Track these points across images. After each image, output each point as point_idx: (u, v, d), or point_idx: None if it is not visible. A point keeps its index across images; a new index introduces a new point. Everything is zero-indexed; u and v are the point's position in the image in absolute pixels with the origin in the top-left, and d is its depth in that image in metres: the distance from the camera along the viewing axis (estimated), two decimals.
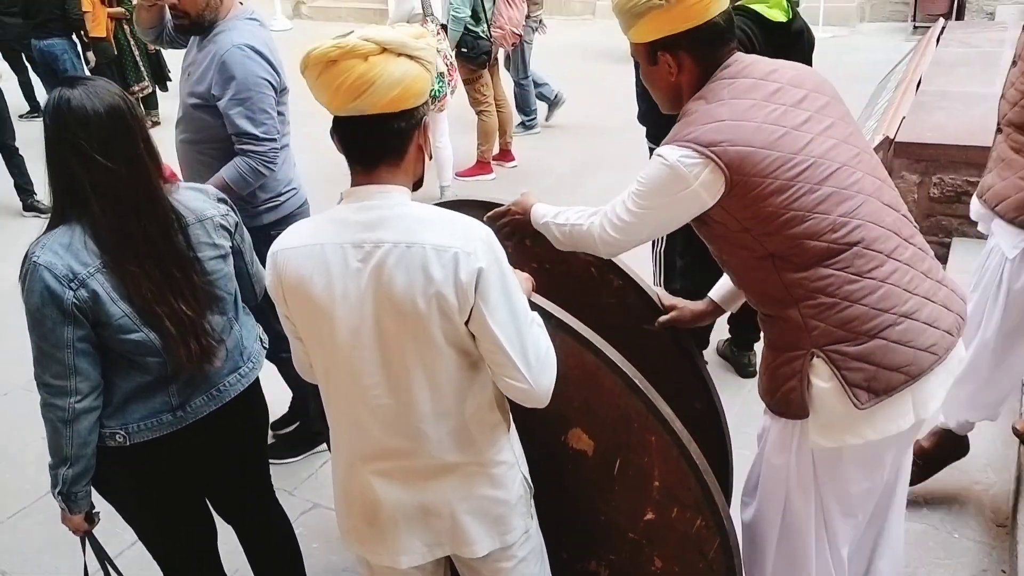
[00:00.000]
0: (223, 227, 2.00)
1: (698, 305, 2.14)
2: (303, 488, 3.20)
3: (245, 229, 2.13)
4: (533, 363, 1.54)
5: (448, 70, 5.39)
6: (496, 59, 6.21)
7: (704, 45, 1.71)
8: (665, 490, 1.81)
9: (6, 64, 7.86)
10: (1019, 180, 2.26)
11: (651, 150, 2.92)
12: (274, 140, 2.72)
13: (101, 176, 1.75)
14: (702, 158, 1.63)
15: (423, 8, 5.36)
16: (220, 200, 2.04)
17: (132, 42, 7.41)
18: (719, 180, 1.63)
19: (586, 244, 1.91)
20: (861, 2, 9.72)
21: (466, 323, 1.52)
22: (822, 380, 1.66)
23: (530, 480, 1.78)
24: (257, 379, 2.15)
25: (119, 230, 1.78)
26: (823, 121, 1.70)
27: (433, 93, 5.35)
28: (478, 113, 6.11)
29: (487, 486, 1.68)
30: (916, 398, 1.68)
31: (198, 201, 1.97)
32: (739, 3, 2.97)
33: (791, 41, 3.06)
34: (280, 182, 2.90)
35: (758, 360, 3.46)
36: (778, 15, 2.94)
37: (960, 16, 8.79)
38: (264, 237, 2.62)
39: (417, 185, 1.62)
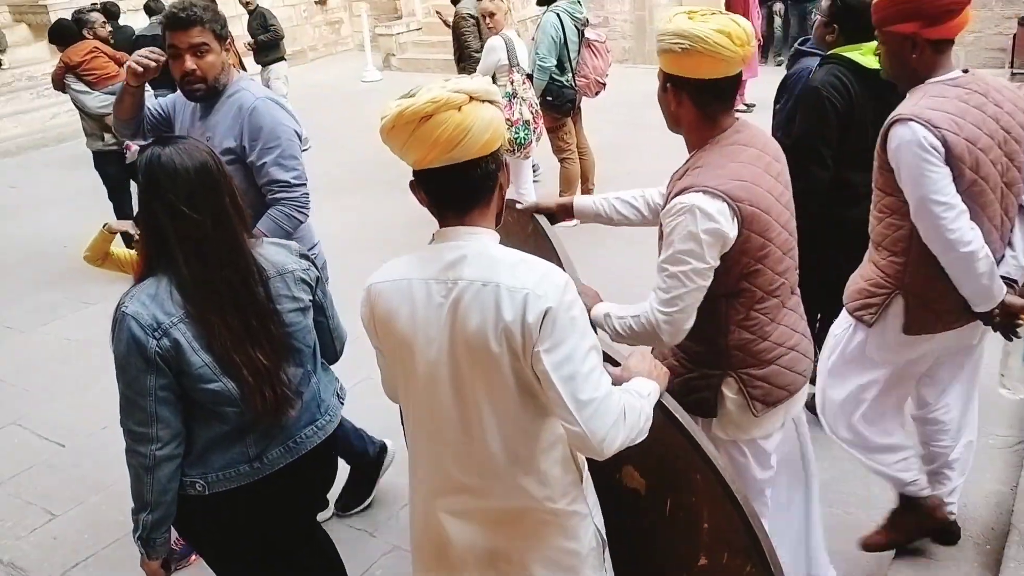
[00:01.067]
0: (304, 281, 2.06)
1: (562, 200, 2.58)
2: (383, 530, 3.24)
3: (327, 286, 2.21)
4: (586, 408, 1.53)
5: (534, 117, 5.48)
6: (579, 107, 6.27)
7: (704, 95, 1.98)
8: (714, 532, 1.81)
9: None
10: (859, 271, 2.49)
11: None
12: (305, 185, 2.79)
13: (187, 229, 1.84)
14: (728, 210, 1.89)
15: (509, 59, 5.50)
16: (302, 256, 2.11)
17: None
18: (733, 233, 1.91)
19: (650, 336, 2.03)
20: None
21: (532, 362, 1.55)
22: (731, 392, 2.10)
23: (604, 533, 1.76)
24: (333, 432, 2.18)
25: (202, 280, 1.86)
26: (787, 194, 2.06)
27: (519, 140, 5.44)
28: (561, 160, 6.18)
29: (560, 536, 1.68)
30: (788, 406, 2.18)
31: (280, 255, 2.04)
32: (833, 51, 2.97)
33: (886, 88, 3.03)
34: (313, 233, 3.01)
35: None
36: (872, 62, 2.92)
37: None
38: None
39: (497, 220, 1.68)
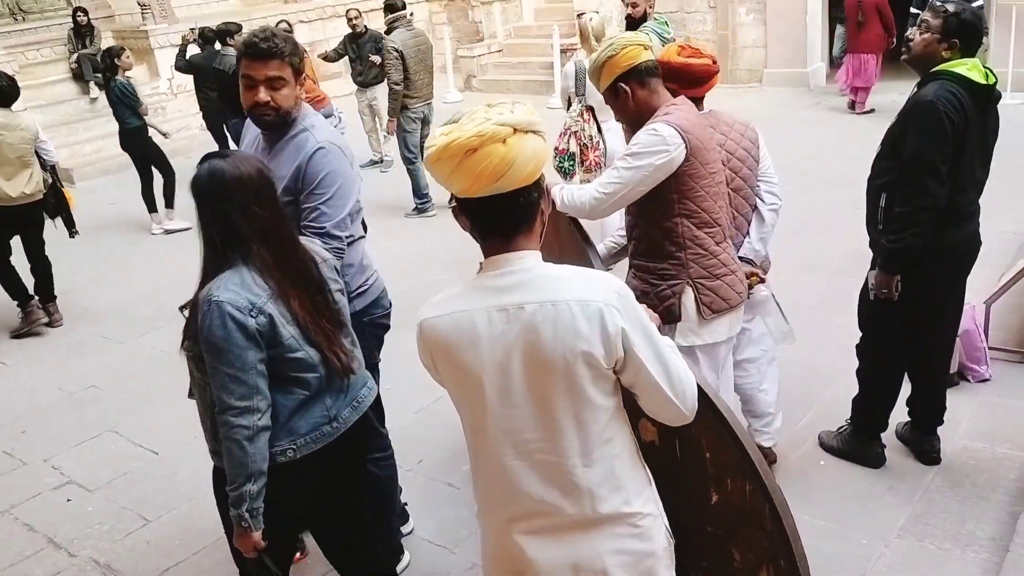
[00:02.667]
0: (335, 268, 2.42)
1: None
2: (464, 547, 3.25)
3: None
4: (678, 387, 1.67)
5: (582, 151, 5.36)
6: None
7: (641, 75, 2.72)
8: (715, 460, 1.97)
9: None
10: None
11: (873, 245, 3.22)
12: (341, 240, 2.67)
13: (258, 223, 2.13)
14: (680, 138, 2.60)
15: (575, 87, 5.43)
16: (327, 249, 2.48)
17: None
18: (682, 156, 2.61)
19: (577, 206, 2.75)
20: None
21: (614, 370, 1.64)
22: (688, 301, 2.76)
23: (671, 531, 1.82)
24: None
25: (278, 265, 2.15)
26: (720, 155, 2.86)
27: (564, 170, 5.38)
28: None
29: (635, 540, 1.73)
30: (731, 320, 2.86)
31: (317, 247, 2.40)
32: (942, 67, 2.91)
33: (991, 104, 2.97)
34: (365, 268, 2.99)
35: (943, 446, 3.29)
36: (979, 77, 2.88)
37: None
38: (357, 324, 2.70)
39: (539, 241, 1.73)
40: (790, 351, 4.47)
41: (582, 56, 5.56)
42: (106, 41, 11.86)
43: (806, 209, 6.59)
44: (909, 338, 3.25)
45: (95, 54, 11.15)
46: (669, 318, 2.76)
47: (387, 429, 3.17)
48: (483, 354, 1.64)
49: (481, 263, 1.70)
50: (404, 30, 7.20)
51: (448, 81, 12.79)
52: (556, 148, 5.45)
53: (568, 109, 5.55)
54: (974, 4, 6.59)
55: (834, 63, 9.69)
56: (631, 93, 2.72)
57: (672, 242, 2.74)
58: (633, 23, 6.13)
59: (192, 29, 8.84)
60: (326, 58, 9.35)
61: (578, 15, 5.60)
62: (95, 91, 11.07)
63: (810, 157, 7.92)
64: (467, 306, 1.66)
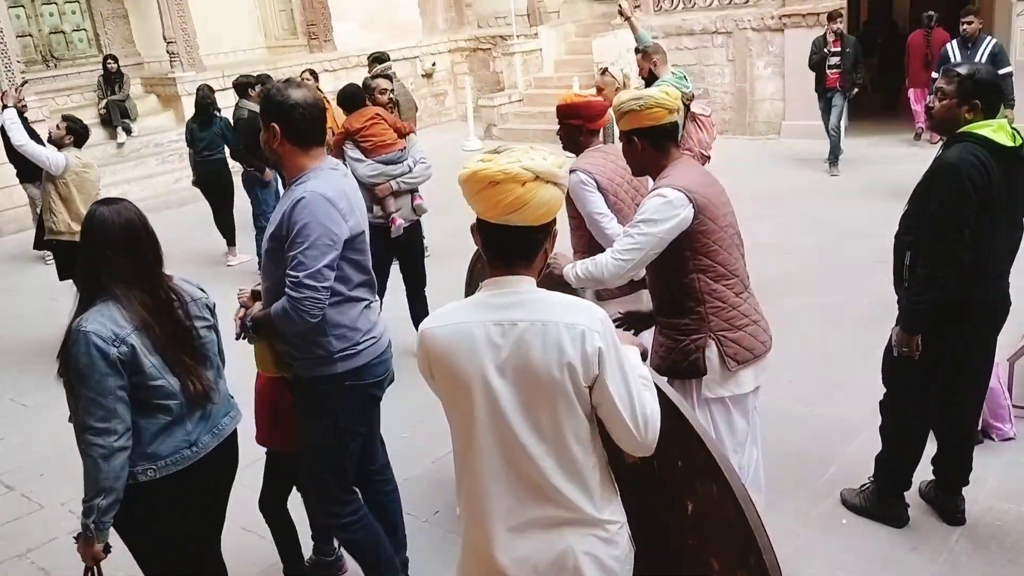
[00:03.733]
0: (207, 307, 2.65)
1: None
2: None
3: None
4: (639, 417, 1.81)
5: None
6: None
7: (658, 137, 2.84)
8: (687, 466, 2.09)
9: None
10: None
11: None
12: (315, 289, 2.63)
13: (121, 267, 2.41)
14: (687, 199, 2.71)
15: (603, 137, 5.41)
16: (200, 288, 2.69)
17: None
18: (691, 216, 2.72)
19: (596, 276, 2.85)
20: None
21: (589, 389, 1.80)
22: (712, 353, 2.82)
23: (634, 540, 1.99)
24: (235, 431, 2.72)
25: (142, 302, 2.42)
26: (728, 205, 2.90)
27: None
28: None
29: (604, 544, 1.89)
30: (755, 371, 2.90)
31: (190, 287, 2.64)
32: (966, 129, 2.91)
33: (1017, 168, 2.96)
34: (358, 331, 2.83)
35: (967, 506, 3.23)
36: (1004, 139, 2.87)
37: None
38: (337, 386, 2.77)
39: (538, 275, 1.91)
40: (812, 405, 4.44)
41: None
42: (135, 88, 12.15)
43: (827, 260, 6.59)
44: (934, 396, 3.22)
45: (123, 100, 11.42)
46: (695, 372, 2.83)
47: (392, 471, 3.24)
48: (477, 364, 1.81)
49: (482, 284, 1.88)
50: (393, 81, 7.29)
51: (468, 129, 12.96)
52: None
53: None
54: (1002, 71, 6.68)
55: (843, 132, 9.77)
56: (642, 148, 2.85)
57: (691, 297, 2.81)
58: (647, 80, 6.20)
59: (258, 76, 8.90)
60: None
61: (601, 71, 5.62)
62: (122, 136, 11.31)
63: (831, 208, 7.92)
64: (467, 318, 1.84)
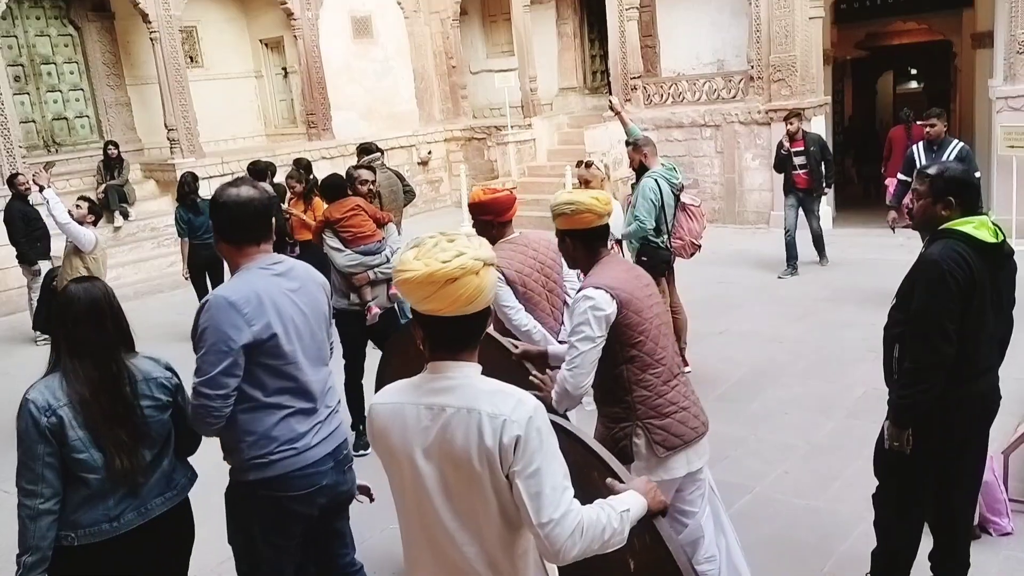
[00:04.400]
0: (164, 387, 2.71)
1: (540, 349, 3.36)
2: None
3: (187, 395, 2.72)
4: (547, 524, 1.79)
5: None
6: (672, 267, 6.34)
7: (588, 239, 3.04)
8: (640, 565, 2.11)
9: None
10: None
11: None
12: (209, 398, 2.59)
13: (75, 340, 2.56)
14: (610, 296, 2.88)
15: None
16: (168, 368, 2.77)
17: None
18: (615, 312, 2.88)
19: (566, 392, 2.93)
20: None
21: (507, 478, 1.83)
22: (639, 440, 2.93)
23: None
24: (184, 509, 2.80)
25: (86, 377, 2.54)
26: (654, 296, 3.12)
27: None
28: None
29: None
30: (688, 456, 2.99)
31: (148, 365, 2.72)
32: (947, 226, 2.97)
33: (1001, 263, 3.01)
34: (274, 441, 2.70)
35: None
36: (987, 235, 2.92)
37: None
38: (250, 494, 2.72)
39: (478, 354, 1.97)
40: (807, 497, 4.39)
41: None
42: (134, 173, 12.34)
43: (818, 349, 6.60)
44: (928, 490, 3.18)
45: (122, 185, 11.57)
46: (624, 459, 2.85)
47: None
48: (407, 444, 1.88)
49: (426, 366, 1.94)
50: (379, 171, 7.26)
51: (463, 215, 13.13)
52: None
53: None
54: (977, 175, 6.72)
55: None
56: (573, 247, 3.08)
57: (620, 387, 2.96)
58: (638, 173, 6.34)
59: (255, 161, 9.00)
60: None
61: (586, 164, 5.81)
62: (119, 220, 11.41)
63: (821, 299, 7.98)
64: (403, 399, 1.92)
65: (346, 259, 5.31)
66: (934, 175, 3.02)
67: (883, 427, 3.19)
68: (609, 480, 2.05)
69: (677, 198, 6.20)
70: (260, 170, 7.99)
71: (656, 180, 6.03)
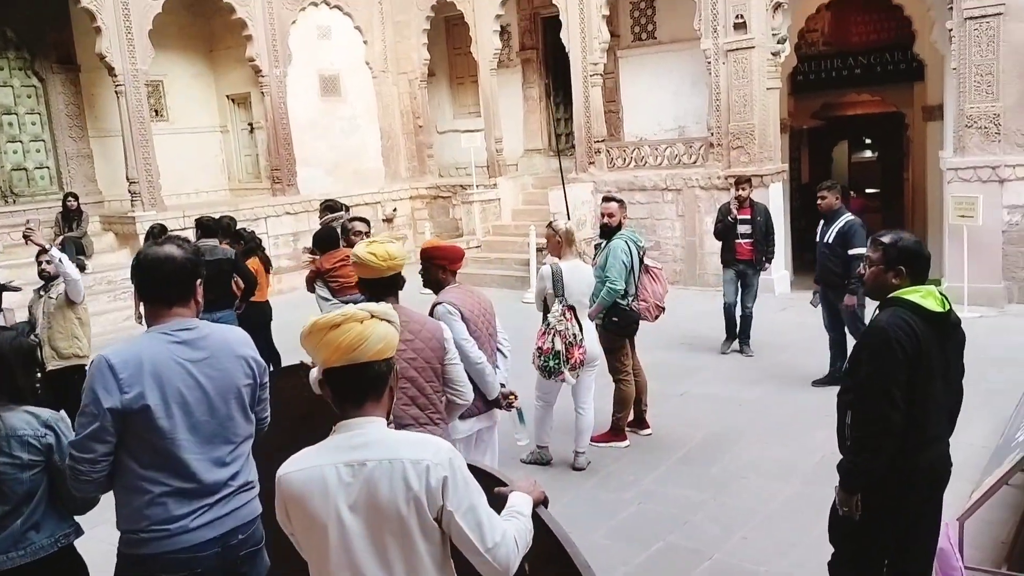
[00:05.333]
0: (30, 444, 2.73)
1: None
2: None
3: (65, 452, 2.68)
4: (493, 548, 1.94)
5: (567, 348, 5.38)
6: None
7: (372, 287, 3.48)
8: (532, 565, 2.19)
9: None
10: None
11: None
12: (77, 461, 2.50)
13: None
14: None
15: (553, 288, 5.52)
16: (46, 425, 2.78)
17: None
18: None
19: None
20: (1008, 284, 9.54)
21: (437, 520, 1.94)
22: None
23: None
24: (66, 568, 2.84)
25: None
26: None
27: (549, 368, 5.42)
28: (616, 381, 6.17)
29: None
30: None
31: (20, 421, 2.76)
32: (895, 295, 3.02)
33: (948, 333, 3.05)
34: (145, 519, 2.54)
35: None
36: (933, 305, 2.97)
37: None
38: (126, 564, 2.59)
39: (388, 414, 2.09)
40: (766, 564, 4.36)
41: (567, 263, 5.62)
42: (93, 225, 12.18)
43: (778, 413, 6.63)
44: (883, 558, 3.18)
45: (80, 237, 11.41)
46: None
47: None
48: (331, 504, 1.93)
49: (334, 428, 2.03)
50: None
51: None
52: (540, 348, 5.47)
53: (542, 310, 5.64)
54: (851, 252, 6.68)
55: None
56: (366, 292, 3.57)
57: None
58: (608, 231, 6.40)
59: (220, 218, 8.74)
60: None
61: (548, 224, 5.84)
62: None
63: (779, 362, 8.05)
64: (319, 462, 1.97)
65: (332, 309, 5.32)
66: (888, 244, 3.07)
67: (836, 493, 3.20)
68: (497, 489, 2.20)
69: (641, 260, 6.28)
70: (207, 226, 7.80)
71: (626, 242, 6.11)
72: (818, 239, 7.19)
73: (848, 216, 7.05)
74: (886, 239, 3.10)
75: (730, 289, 8.46)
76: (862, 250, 6.60)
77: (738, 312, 8.45)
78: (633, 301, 6.13)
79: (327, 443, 2.01)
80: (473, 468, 2.19)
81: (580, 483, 5.54)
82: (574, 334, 5.43)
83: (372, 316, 2.02)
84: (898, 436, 2.95)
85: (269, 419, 2.90)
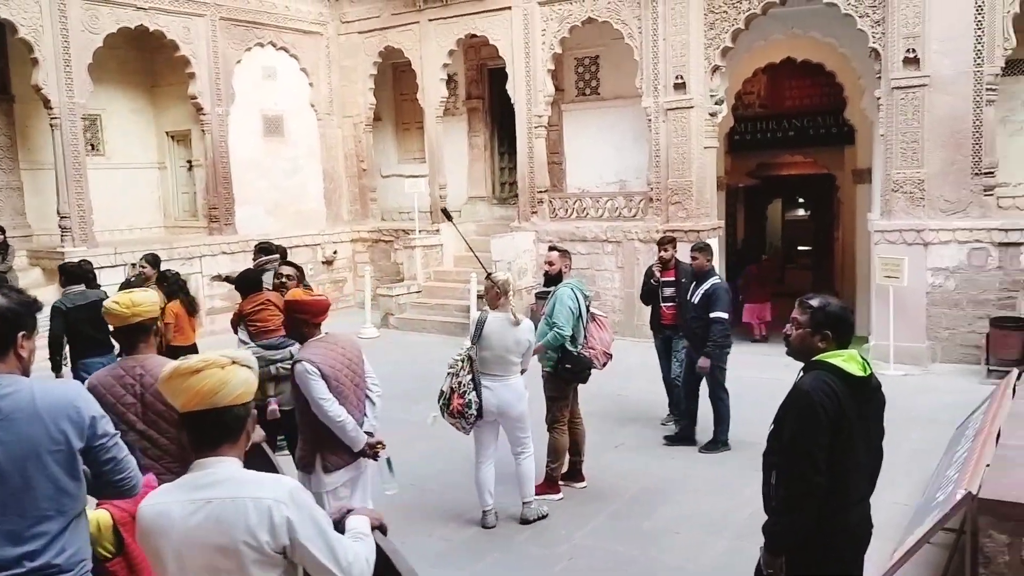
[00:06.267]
0: None
1: None
2: None
3: None
4: (344, 563, 2.08)
5: (451, 393, 5.40)
6: None
7: (122, 334, 3.56)
8: None
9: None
10: None
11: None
12: None
13: None
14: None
15: (473, 334, 5.47)
16: None
17: None
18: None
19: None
20: (932, 343, 9.86)
21: (283, 554, 2.04)
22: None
23: None
24: None
25: None
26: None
27: (441, 408, 5.45)
28: (551, 430, 6.16)
29: None
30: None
31: None
32: (818, 358, 3.08)
33: (869, 396, 3.11)
34: (72, 556, 2.45)
35: None
36: (855, 369, 3.02)
37: None
38: None
39: (243, 457, 2.18)
40: None
41: (498, 314, 5.58)
42: (19, 260, 11.79)
43: (711, 467, 6.69)
44: None
45: (5, 272, 11.02)
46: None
47: None
48: (174, 539, 2.01)
49: (191, 466, 2.12)
50: (271, 273, 7.13)
51: (366, 317, 13.00)
52: (442, 388, 5.49)
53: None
54: (712, 314, 6.77)
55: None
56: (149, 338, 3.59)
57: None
58: (551, 279, 6.46)
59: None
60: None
61: (487, 276, 5.79)
62: None
63: (708, 417, 8.11)
64: (168, 498, 2.07)
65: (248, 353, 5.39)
66: (815, 308, 3.14)
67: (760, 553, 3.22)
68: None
69: (587, 308, 6.33)
70: (71, 272, 7.34)
71: (572, 289, 6.15)
72: (688, 297, 7.30)
73: (715, 280, 7.11)
74: (814, 302, 3.16)
75: (663, 363, 7.91)
76: (721, 315, 6.73)
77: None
78: (582, 348, 6.15)
79: (180, 481, 2.11)
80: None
81: (512, 537, 5.48)
82: (460, 382, 5.42)
83: (233, 362, 2.14)
84: (821, 498, 2.98)
85: (134, 481, 2.66)
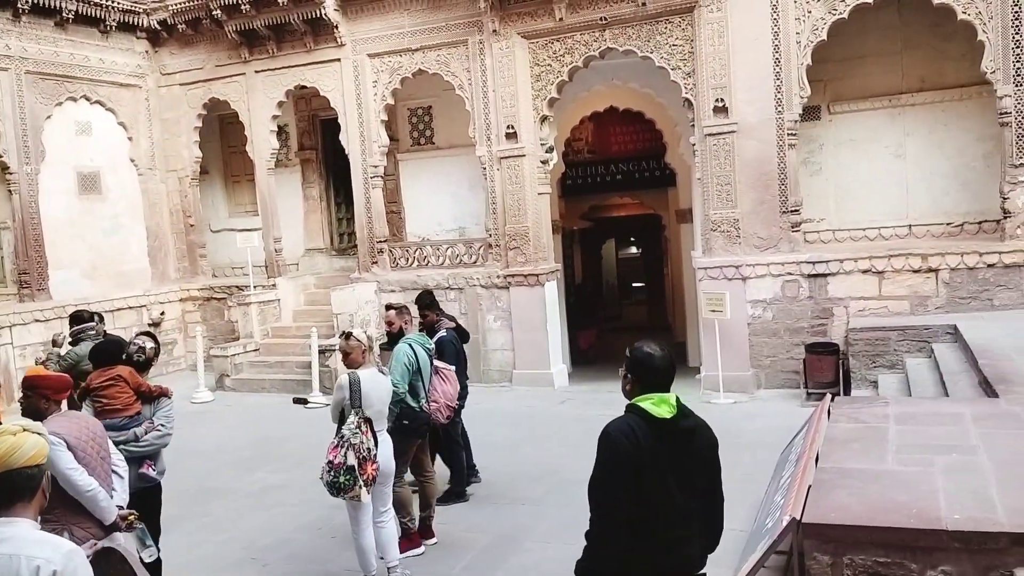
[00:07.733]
0: None
1: None
2: None
3: None
4: None
5: (360, 463, 5.13)
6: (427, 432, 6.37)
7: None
8: None
9: None
10: None
11: None
12: None
13: None
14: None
15: (351, 399, 5.33)
16: None
17: None
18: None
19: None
20: (756, 371, 10.50)
21: None
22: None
23: None
24: None
25: None
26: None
27: (339, 485, 5.13)
28: (421, 480, 6.28)
29: None
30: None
31: None
32: (632, 401, 3.17)
33: (680, 439, 3.11)
34: None
35: None
36: (662, 411, 3.06)
37: (847, 383, 9.53)
38: None
39: (37, 514, 2.40)
40: None
41: (365, 372, 5.43)
42: None
43: (560, 510, 6.75)
44: None
45: None
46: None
47: None
48: None
49: None
50: (90, 342, 6.82)
51: (199, 380, 12.37)
52: (332, 462, 5.15)
53: (337, 422, 5.41)
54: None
55: None
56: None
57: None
58: (393, 337, 6.40)
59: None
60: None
61: (345, 336, 5.62)
62: None
63: (561, 455, 8.26)
64: None
65: None
66: (627, 353, 3.23)
67: None
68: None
69: (431, 363, 6.32)
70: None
71: (411, 345, 6.15)
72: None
73: (443, 333, 7.22)
74: (629, 348, 3.25)
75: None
76: (446, 367, 6.73)
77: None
78: (424, 402, 6.16)
79: None
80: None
81: None
82: (368, 448, 5.20)
83: (24, 429, 2.40)
84: (627, 536, 3.02)
85: None
